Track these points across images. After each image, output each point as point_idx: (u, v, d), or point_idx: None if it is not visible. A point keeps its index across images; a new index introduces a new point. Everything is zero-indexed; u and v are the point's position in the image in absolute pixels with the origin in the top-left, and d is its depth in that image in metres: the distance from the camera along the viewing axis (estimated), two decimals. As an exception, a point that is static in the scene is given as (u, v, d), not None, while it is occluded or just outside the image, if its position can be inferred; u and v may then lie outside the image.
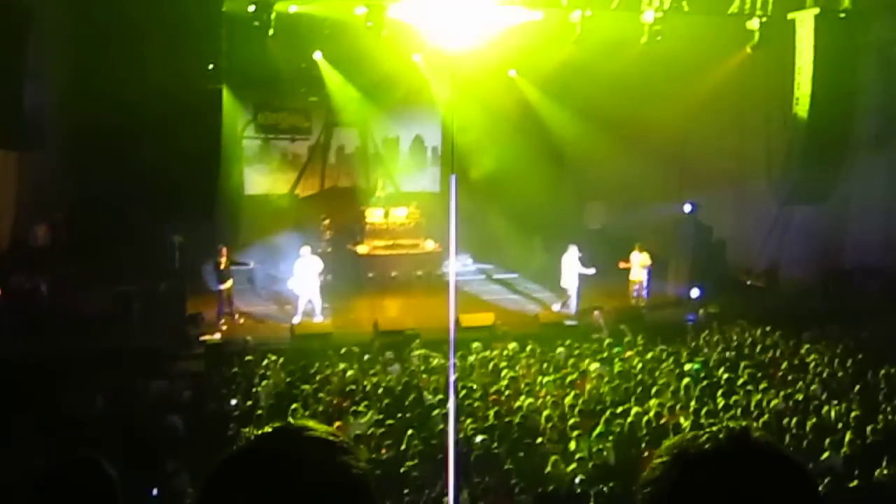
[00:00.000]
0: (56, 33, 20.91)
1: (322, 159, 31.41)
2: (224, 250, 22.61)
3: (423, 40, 24.27)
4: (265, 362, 19.20)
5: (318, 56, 27.73)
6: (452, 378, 11.95)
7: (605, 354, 20.45)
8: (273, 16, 21.68)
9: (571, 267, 24.58)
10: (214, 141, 20.33)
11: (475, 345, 20.72)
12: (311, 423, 2.08)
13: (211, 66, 20.00)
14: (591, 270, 24.60)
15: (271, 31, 21.81)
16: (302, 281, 23.35)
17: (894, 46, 25.93)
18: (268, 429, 2.08)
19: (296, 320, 23.11)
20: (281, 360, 19.42)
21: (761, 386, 17.73)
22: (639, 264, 25.40)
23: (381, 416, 15.83)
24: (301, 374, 18.58)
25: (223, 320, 22.46)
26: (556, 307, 24.97)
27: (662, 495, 2.00)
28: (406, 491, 12.46)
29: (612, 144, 28.42)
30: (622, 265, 25.48)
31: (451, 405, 11.09)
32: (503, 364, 19.53)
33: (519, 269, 29.25)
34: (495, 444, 14.58)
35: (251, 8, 21.56)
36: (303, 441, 2.02)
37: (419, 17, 23.10)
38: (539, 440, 14.78)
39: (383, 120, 31.07)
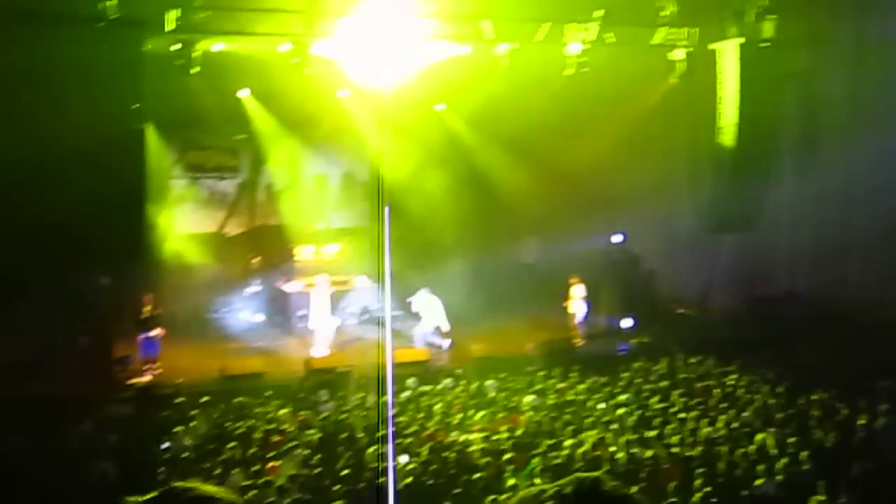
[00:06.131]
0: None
1: (251, 197, 31.16)
2: (150, 298, 22.22)
3: (348, 77, 24.16)
4: (196, 404, 18.98)
5: (244, 94, 27.54)
6: (391, 415, 11.87)
7: (540, 387, 20.41)
8: (197, 54, 21.46)
9: (432, 307, 24.61)
10: (139, 181, 20.07)
11: (409, 381, 20.59)
12: (196, 484, 2.00)
13: (134, 106, 19.74)
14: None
15: (195, 70, 21.57)
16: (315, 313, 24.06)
17: (816, 76, 26.30)
18: (154, 493, 1.99)
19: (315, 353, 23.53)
20: (212, 401, 19.20)
21: (694, 414, 17.78)
22: (578, 296, 25.44)
23: (314, 456, 15.67)
24: (233, 414, 18.37)
25: (147, 367, 21.97)
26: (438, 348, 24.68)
27: None
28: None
29: (540, 177, 28.51)
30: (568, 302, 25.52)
31: (389, 445, 11.01)
32: (436, 400, 19.44)
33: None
34: (430, 481, 14.46)
35: (174, 46, 21.33)
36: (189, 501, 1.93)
37: (344, 53, 23.03)
38: (476, 475, 14.64)
39: (312, 157, 30.92)
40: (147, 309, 21.98)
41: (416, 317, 24.58)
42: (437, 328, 24.50)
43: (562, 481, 1.94)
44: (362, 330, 25.93)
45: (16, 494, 13.57)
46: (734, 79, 23.62)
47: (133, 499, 2.00)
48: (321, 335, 24.00)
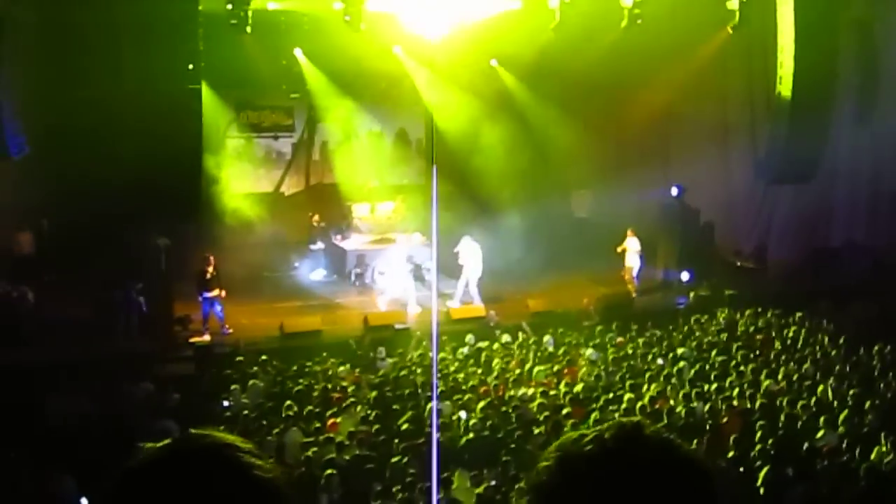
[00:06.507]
0: (28, 36, 20.65)
1: (306, 156, 31.30)
2: (211, 259, 22.25)
3: (402, 31, 24.06)
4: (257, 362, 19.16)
5: (297, 53, 27.55)
6: (435, 371, 11.93)
7: (598, 341, 20.39)
8: (250, 13, 21.43)
9: (473, 256, 24.43)
10: (195, 141, 20.09)
11: (468, 337, 20.66)
12: (212, 431, 2.00)
13: (190, 66, 19.77)
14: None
15: (249, 29, 21.58)
16: (393, 272, 24.22)
17: (874, 24, 25.85)
18: (168, 441, 2.00)
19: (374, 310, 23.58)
20: (271, 359, 19.35)
21: (753, 367, 17.67)
22: (633, 249, 25.34)
23: (372, 412, 15.76)
24: (292, 372, 18.51)
25: (207, 327, 22.03)
26: (452, 303, 24.45)
27: (547, 502, 1.86)
28: (398, 487, 12.36)
29: (596, 130, 28.37)
30: (620, 249, 25.39)
31: (434, 402, 11.05)
32: (496, 355, 19.47)
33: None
34: (489, 436, 14.50)
35: (228, 6, 21.32)
36: (204, 449, 1.93)
37: (397, 7, 22.95)
38: (535, 431, 14.67)
39: (366, 114, 30.88)
40: (209, 269, 21.99)
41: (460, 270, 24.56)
42: (477, 280, 24.43)
43: (601, 426, 1.92)
44: (418, 287, 25.95)
45: (78, 452, 13.77)
46: (791, 27, 23.21)
47: (149, 445, 2.00)
48: (388, 293, 24.06)
